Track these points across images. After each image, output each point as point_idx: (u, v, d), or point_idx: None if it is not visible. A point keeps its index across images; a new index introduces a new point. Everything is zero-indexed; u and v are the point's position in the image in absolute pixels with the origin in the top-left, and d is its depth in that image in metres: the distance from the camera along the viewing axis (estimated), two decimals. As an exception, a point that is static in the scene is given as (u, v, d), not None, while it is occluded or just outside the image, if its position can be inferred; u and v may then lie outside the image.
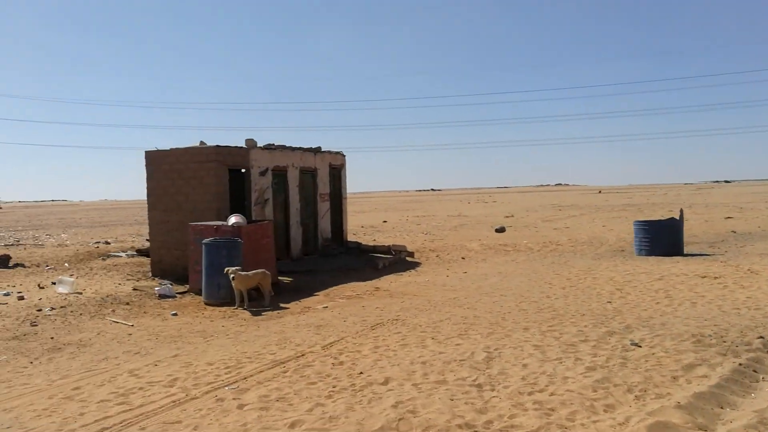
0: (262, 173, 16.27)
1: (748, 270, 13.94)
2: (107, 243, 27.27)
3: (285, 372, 7.62)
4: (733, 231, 24.96)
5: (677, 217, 18.84)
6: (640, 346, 7.94)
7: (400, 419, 5.78)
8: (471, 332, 9.26)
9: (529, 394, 6.35)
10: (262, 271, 12.40)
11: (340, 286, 14.47)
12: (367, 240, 24.90)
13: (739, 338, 8.13)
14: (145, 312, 11.97)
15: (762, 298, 10.87)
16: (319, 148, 18.92)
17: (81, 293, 13.76)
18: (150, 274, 15.58)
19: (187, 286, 13.92)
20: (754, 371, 6.89)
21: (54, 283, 14.64)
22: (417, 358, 7.95)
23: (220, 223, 13.72)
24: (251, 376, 7.57)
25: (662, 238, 18.20)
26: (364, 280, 15.25)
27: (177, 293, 13.47)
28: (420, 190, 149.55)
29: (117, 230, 37.87)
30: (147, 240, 22.26)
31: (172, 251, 15.16)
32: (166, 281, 14.58)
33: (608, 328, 9.12)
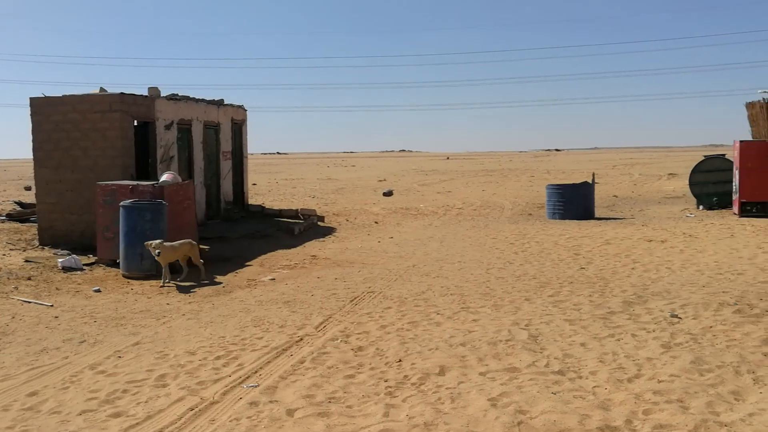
0: (168, 127, 14.21)
1: (685, 234, 13.98)
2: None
3: (302, 363, 6.23)
4: (614, 196, 25.72)
5: (589, 181, 18.88)
6: (681, 318, 7.31)
7: (519, 423, 4.67)
8: (473, 305, 8.26)
9: (630, 381, 5.45)
10: (188, 241, 10.64)
11: (269, 254, 12.94)
12: (255, 203, 23.16)
13: (764, 302, 7.71)
14: (57, 289, 9.88)
15: (729, 262, 10.73)
16: (222, 100, 16.97)
17: (-46, 267, 11.26)
18: (37, 242, 13.13)
19: (93, 256, 11.81)
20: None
21: None
22: (448, 338, 6.83)
23: (135, 182, 11.69)
24: (261, 368, 6.13)
25: (576, 201, 18.13)
26: (289, 247, 13.81)
27: (84, 265, 11.35)
28: (266, 153, 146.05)
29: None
30: (17, 203, 19.17)
31: (66, 216, 12.82)
32: (63, 250, 12.31)
33: (618, 297, 8.45)
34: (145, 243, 10.07)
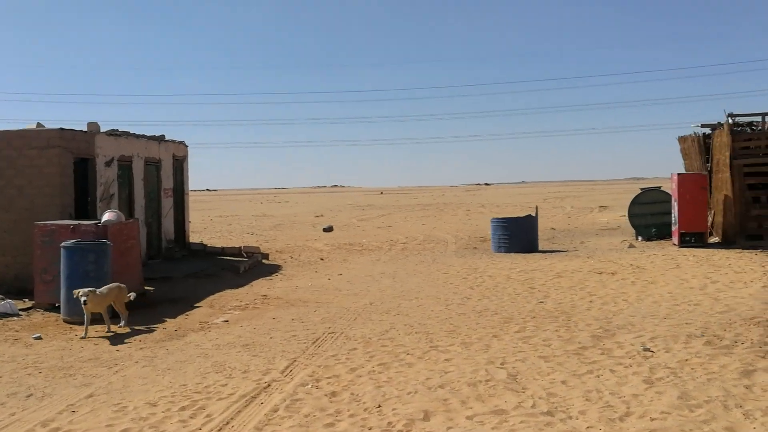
0: (108, 164, 13.62)
1: (632, 265, 14.17)
2: None
3: (276, 411, 5.87)
4: (552, 228, 26.09)
5: (533, 215, 19.06)
6: (653, 352, 7.27)
7: (522, 470, 4.45)
8: (441, 344, 8.05)
9: (622, 420, 5.31)
10: (116, 285, 9.86)
11: (217, 294, 12.44)
12: (194, 241, 22.47)
13: (729, 332, 7.76)
14: (-7, 337, 9.19)
15: (683, 293, 10.87)
16: (163, 136, 16.45)
17: None
18: (-36, 286, 12.26)
19: (29, 300, 11.09)
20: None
21: None
22: (424, 380, 6.58)
23: (76, 221, 11.09)
24: (232, 419, 5.74)
25: (521, 235, 18.24)
26: (236, 287, 13.34)
27: (20, 310, 10.63)
28: (195, 190, 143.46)
29: None
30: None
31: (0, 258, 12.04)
32: (-6, 295, 11.51)
33: (584, 331, 8.39)
34: (73, 291, 9.39)
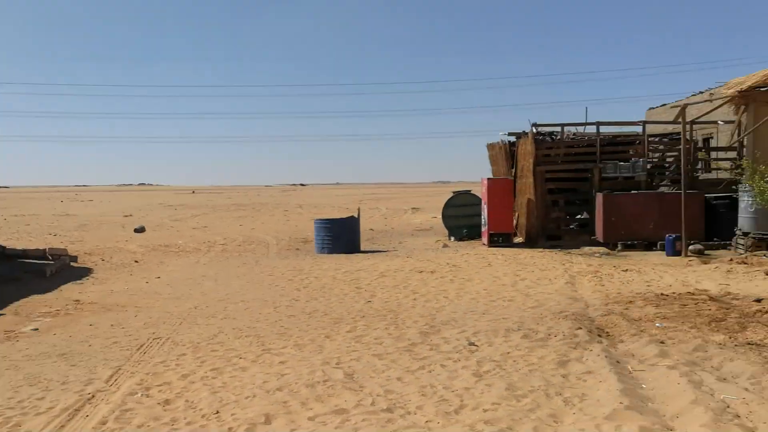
0: None
1: (449, 264, 14.88)
2: None
3: (104, 424, 5.51)
4: (371, 229, 26.72)
5: (356, 216, 19.40)
6: (478, 346, 7.68)
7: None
8: (274, 347, 7.96)
9: (457, 413, 5.56)
10: None
11: (22, 301, 11.43)
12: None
13: (542, 326, 8.37)
14: None
15: (497, 290, 11.56)
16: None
17: None
18: None
19: None
20: (612, 350, 7.07)
21: None
22: (261, 384, 6.48)
23: None
24: (55, 436, 5.31)
25: (343, 235, 18.52)
26: (44, 292, 12.35)
27: None
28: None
29: None
30: None
31: None
32: None
33: (412, 328, 8.68)
34: None
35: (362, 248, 19.12)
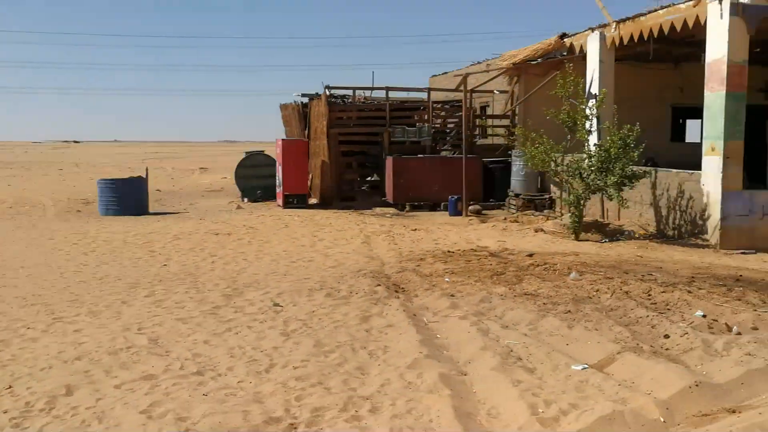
0: None
1: (245, 226, 14.79)
2: None
3: None
4: (158, 190, 25.67)
5: (143, 176, 18.55)
6: (283, 306, 7.81)
7: (187, 431, 4.51)
8: (66, 315, 7.54)
9: (268, 371, 5.66)
10: None
11: None
12: None
13: (343, 285, 8.70)
14: None
15: (296, 251, 11.75)
16: None
17: None
18: None
19: None
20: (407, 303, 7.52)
21: None
22: (57, 354, 6.13)
23: None
24: None
25: (131, 196, 17.67)
26: None
27: None
28: None
29: None
30: None
31: None
32: None
33: (214, 291, 8.61)
34: None
35: (151, 210, 18.37)
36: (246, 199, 20.81)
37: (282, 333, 6.74)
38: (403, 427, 4.56)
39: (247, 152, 22.29)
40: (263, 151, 22.23)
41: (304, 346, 6.29)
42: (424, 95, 21.15)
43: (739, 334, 6.37)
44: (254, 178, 20.85)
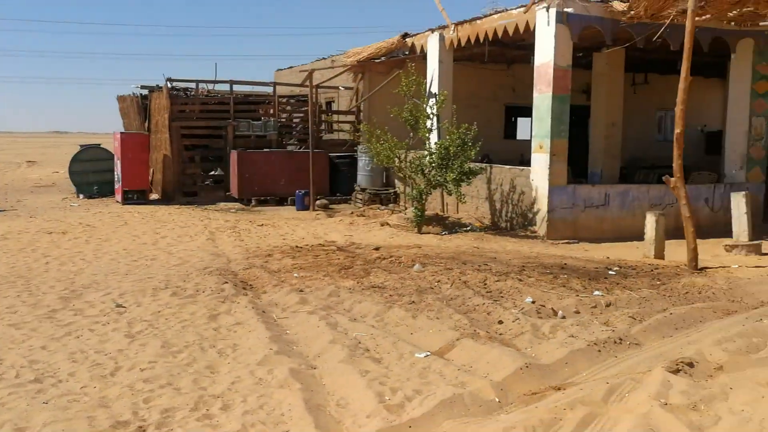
0: None
1: (81, 224, 14.08)
2: None
3: None
4: (-19, 186, 23.81)
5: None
6: (126, 308, 7.58)
7: None
8: None
9: (113, 375, 5.51)
10: None
11: None
12: None
13: (189, 283, 8.56)
14: None
15: (138, 249, 11.37)
16: None
17: None
18: None
19: None
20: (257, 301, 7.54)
21: None
22: None
23: None
24: None
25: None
26: None
27: None
28: None
29: None
30: None
31: None
32: None
33: (50, 294, 8.18)
34: None
35: (-27, 207, 17.01)
36: (81, 196, 19.76)
37: (127, 335, 6.56)
38: (255, 422, 4.64)
39: (82, 145, 21.14)
40: (99, 144, 21.19)
41: (151, 348, 6.17)
42: (269, 89, 21.02)
43: (563, 318, 6.98)
44: (90, 173, 19.84)
